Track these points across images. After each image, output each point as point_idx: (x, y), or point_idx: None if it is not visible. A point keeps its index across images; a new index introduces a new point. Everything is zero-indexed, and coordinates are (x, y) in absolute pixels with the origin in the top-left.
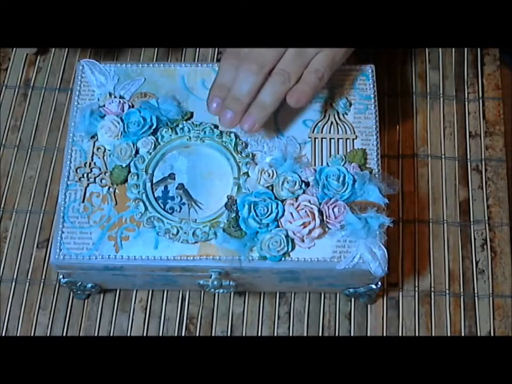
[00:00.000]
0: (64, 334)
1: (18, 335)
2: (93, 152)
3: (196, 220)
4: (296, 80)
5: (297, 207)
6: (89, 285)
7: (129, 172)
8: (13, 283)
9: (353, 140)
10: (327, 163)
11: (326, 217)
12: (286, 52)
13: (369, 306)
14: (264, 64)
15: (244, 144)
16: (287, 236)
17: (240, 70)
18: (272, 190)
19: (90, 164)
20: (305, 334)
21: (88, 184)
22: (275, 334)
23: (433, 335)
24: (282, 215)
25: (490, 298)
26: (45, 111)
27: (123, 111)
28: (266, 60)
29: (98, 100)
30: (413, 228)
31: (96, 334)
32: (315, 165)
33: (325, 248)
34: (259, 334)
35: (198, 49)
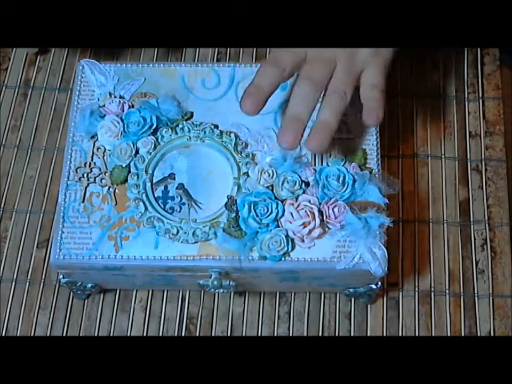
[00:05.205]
0: (64, 334)
1: (18, 335)
2: (93, 152)
3: (196, 219)
4: (350, 96)
5: (297, 207)
6: (89, 285)
7: (129, 171)
8: (13, 283)
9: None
10: (327, 163)
11: (326, 217)
12: (335, 69)
13: (369, 306)
14: (318, 83)
15: (243, 144)
16: (287, 235)
17: (295, 90)
18: (272, 190)
19: (90, 164)
20: (305, 334)
21: (88, 184)
22: (275, 334)
23: (433, 335)
24: (282, 215)
25: (490, 298)
26: (45, 111)
27: (123, 111)
28: (320, 78)
29: (98, 99)
30: (413, 228)
31: (96, 334)
32: (315, 165)
33: (325, 248)
34: (259, 334)
35: (198, 49)
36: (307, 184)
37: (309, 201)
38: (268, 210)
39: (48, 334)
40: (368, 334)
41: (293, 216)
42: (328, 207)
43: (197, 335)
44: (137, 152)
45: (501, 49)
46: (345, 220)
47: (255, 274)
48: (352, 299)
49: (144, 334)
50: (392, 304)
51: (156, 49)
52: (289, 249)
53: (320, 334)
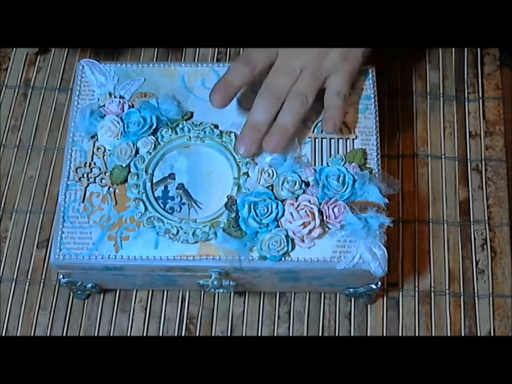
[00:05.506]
0: (64, 334)
1: (18, 335)
2: (93, 152)
3: (196, 219)
4: (312, 101)
5: (297, 207)
6: (89, 285)
7: (129, 171)
8: (13, 283)
9: (353, 140)
10: (327, 163)
11: (326, 217)
12: (299, 75)
13: (369, 306)
14: (280, 94)
15: None
16: (287, 235)
17: (257, 100)
18: (272, 190)
19: (90, 164)
20: (305, 334)
21: (88, 184)
22: (275, 334)
23: (433, 335)
24: (282, 215)
25: (490, 298)
26: (45, 111)
27: (123, 111)
28: (282, 90)
29: (98, 99)
30: (413, 228)
31: (96, 334)
32: (315, 165)
33: (325, 248)
34: (259, 334)
35: (198, 49)
36: (307, 184)
37: (309, 201)
38: (268, 210)
39: (48, 334)
40: (368, 334)
41: (293, 216)
42: (328, 207)
43: (197, 335)
44: (137, 152)
45: (501, 49)
46: (345, 220)
47: (255, 274)
48: (352, 299)
49: (144, 334)
50: (392, 304)
51: (156, 49)
52: (289, 249)
53: (320, 334)
